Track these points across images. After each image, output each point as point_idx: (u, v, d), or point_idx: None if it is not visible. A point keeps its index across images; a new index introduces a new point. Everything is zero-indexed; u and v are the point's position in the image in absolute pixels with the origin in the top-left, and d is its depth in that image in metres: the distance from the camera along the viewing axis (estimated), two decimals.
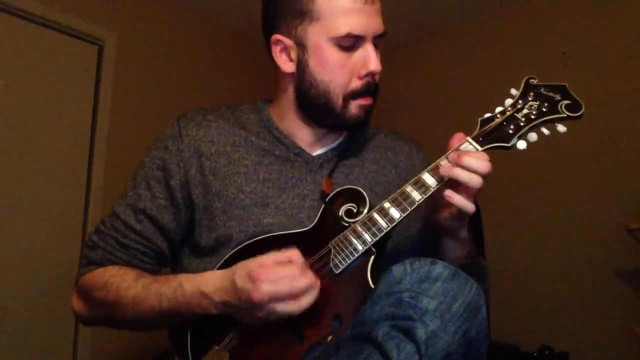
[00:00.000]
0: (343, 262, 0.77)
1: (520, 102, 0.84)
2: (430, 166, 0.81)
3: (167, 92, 2.66)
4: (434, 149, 0.91)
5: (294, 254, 0.73)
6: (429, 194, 0.79)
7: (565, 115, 0.80)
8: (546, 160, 2.27)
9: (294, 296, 0.70)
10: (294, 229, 0.85)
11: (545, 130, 0.82)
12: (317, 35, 0.85)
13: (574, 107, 0.80)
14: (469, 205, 0.76)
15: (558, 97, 0.82)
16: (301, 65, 0.88)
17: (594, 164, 2.31)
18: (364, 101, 0.89)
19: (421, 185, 0.79)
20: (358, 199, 0.83)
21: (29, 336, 2.12)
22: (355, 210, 0.82)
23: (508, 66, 2.54)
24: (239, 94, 2.40)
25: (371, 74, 0.87)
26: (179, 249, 0.94)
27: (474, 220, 0.89)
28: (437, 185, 0.79)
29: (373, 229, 0.78)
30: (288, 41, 0.89)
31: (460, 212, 0.77)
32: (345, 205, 0.83)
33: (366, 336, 0.63)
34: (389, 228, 0.78)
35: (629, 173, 2.20)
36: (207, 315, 0.76)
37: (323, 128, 0.94)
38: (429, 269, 0.65)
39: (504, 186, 2.32)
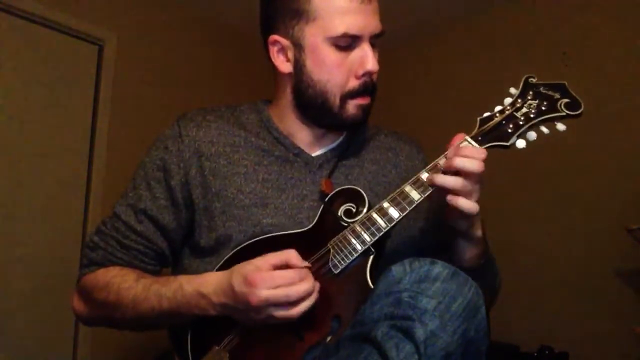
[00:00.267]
0: (342, 262, 0.77)
1: (519, 101, 0.83)
2: (429, 166, 0.81)
3: (167, 92, 2.66)
4: (434, 148, 0.90)
5: (292, 255, 0.73)
6: (427, 194, 0.79)
7: (564, 113, 0.80)
8: (546, 160, 2.26)
9: (291, 302, 0.70)
10: (294, 229, 0.84)
11: (544, 129, 0.82)
12: (314, 35, 0.85)
13: (573, 105, 0.80)
14: (469, 206, 0.75)
15: (557, 95, 0.82)
16: (298, 65, 0.88)
17: (594, 164, 2.31)
18: (362, 101, 0.89)
19: (420, 185, 0.79)
20: (357, 199, 0.83)
21: (29, 336, 2.12)
22: (354, 210, 0.82)
23: (508, 66, 2.53)
24: (238, 94, 2.39)
25: (368, 74, 0.87)
26: (179, 250, 0.94)
27: None
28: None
29: (372, 228, 0.78)
30: (285, 41, 0.88)
31: (464, 213, 0.77)
32: (345, 205, 0.83)
33: (365, 336, 0.63)
34: (388, 228, 0.78)
35: (629, 173, 2.19)
36: (207, 315, 0.77)
37: (321, 128, 0.94)
38: (428, 269, 0.65)
39: (503, 186, 2.31)
